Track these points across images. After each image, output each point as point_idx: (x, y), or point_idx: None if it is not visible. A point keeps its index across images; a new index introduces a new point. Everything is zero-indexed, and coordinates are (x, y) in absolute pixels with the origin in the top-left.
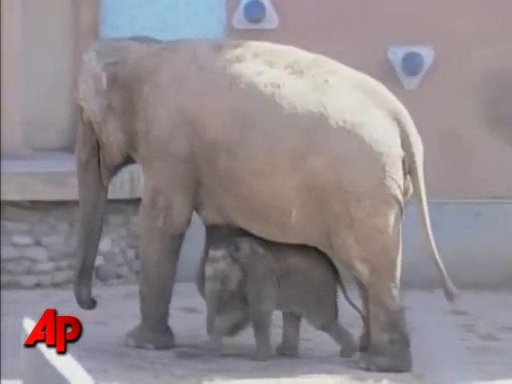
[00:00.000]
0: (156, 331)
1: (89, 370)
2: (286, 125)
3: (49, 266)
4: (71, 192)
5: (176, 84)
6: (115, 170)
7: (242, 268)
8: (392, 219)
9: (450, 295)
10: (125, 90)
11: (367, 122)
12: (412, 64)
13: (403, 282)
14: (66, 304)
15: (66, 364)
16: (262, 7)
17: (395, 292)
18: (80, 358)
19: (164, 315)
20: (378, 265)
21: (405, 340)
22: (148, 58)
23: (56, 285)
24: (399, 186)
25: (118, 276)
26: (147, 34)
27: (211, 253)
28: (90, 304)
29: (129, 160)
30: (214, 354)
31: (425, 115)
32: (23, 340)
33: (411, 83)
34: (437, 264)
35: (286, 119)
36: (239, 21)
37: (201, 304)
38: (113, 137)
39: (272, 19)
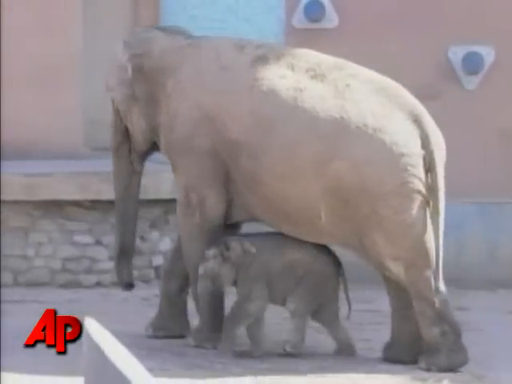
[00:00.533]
0: (214, 330)
1: (149, 369)
2: (307, 129)
3: (109, 265)
4: None
5: (196, 80)
6: (145, 155)
7: (235, 267)
8: (419, 214)
9: None
10: (149, 81)
11: (388, 126)
12: (472, 63)
13: (464, 282)
14: (126, 303)
15: (128, 363)
16: (321, 6)
17: (435, 283)
18: (140, 357)
19: (219, 311)
20: (412, 260)
21: (456, 330)
22: (172, 52)
23: (116, 284)
24: (422, 182)
25: None
26: (207, 34)
27: (204, 252)
28: (129, 286)
29: (156, 147)
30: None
31: (485, 115)
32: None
33: (471, 83)
34: (437, 261)
35: (307, 124)
36: (299, 20)
37: None
38: (137, 125)
39: (332, 19)
